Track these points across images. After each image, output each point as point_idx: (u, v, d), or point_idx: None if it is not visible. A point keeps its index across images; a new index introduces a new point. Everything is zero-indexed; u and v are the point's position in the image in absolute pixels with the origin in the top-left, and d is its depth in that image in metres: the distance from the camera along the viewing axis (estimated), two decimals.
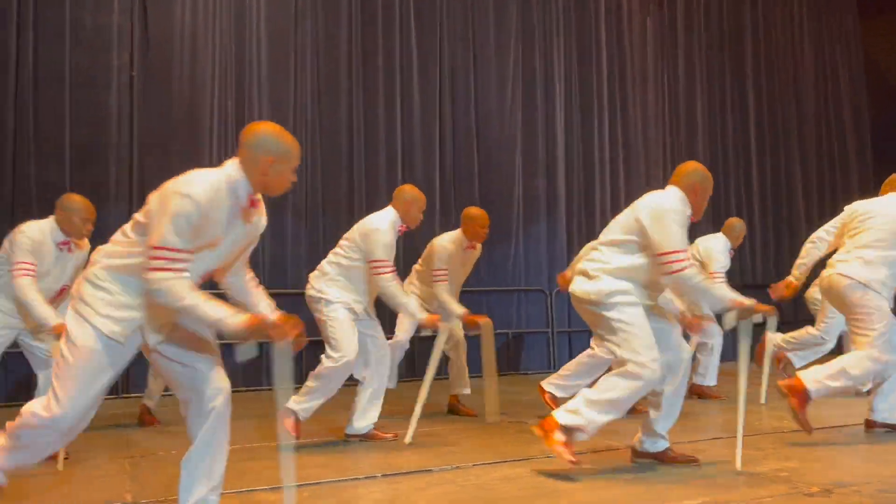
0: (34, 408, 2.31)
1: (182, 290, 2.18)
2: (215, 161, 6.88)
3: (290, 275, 7.21)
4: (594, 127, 8.94)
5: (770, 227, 9.98)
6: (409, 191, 4.28)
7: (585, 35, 9.01)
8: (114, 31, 6.70)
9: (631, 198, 3.85)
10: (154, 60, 6.86)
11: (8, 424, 2.40)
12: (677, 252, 3.18)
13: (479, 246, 5.08)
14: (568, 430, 3.23)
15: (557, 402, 4.53)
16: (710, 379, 5.70)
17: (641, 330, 3.24)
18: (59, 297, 3.97)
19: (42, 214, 6.45)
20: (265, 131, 2.41)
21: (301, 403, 4.04)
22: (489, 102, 8.38)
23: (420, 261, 5.23)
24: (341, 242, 4.27)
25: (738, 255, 5.98)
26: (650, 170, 9.12)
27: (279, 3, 7.44)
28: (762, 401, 5.23)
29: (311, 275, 4.27)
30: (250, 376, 6.60)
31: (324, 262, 4.27)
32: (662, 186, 3.49)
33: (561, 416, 3.25)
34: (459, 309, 4.68)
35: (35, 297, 3.72)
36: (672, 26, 9.65)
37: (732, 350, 4.94)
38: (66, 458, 3.67)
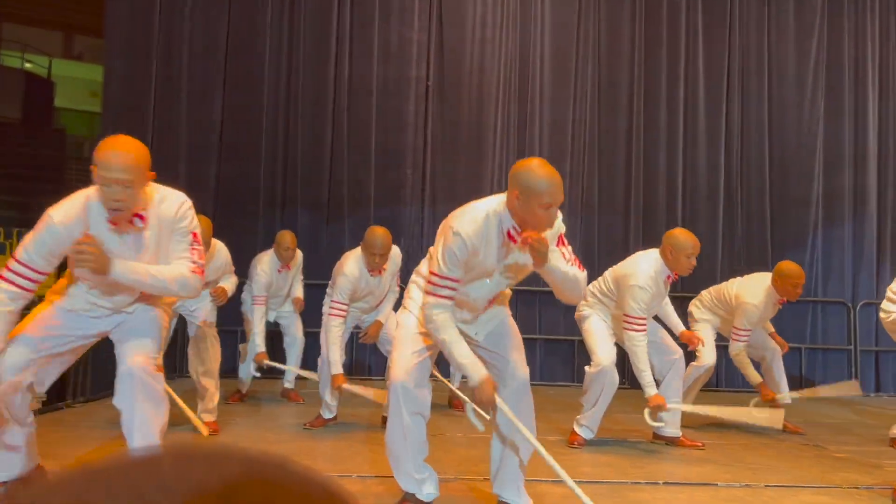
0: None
1: (443, 323, 2.46)
2: (497, 165, 7.25)
3: None
4: None
5: None
6: (679, 236, 3.88)
7: None
8: (414, 45, 7.36)
9: None
10: (447, 71, 7.41)
11: None
12: None
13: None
14: None
15: None
16: None
17: None
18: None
19: (351, 212, 7.29)
20: (523, 165, 2.43)
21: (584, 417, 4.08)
22: (785, 91, 7.66)
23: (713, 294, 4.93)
24: (605, 274, 4.19)
25: None
26: None
27: (563, 7, 7.54)
28: None
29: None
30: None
31: (590, 285, 4.14)
32: None
33: None
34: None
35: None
36: None
37: None
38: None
